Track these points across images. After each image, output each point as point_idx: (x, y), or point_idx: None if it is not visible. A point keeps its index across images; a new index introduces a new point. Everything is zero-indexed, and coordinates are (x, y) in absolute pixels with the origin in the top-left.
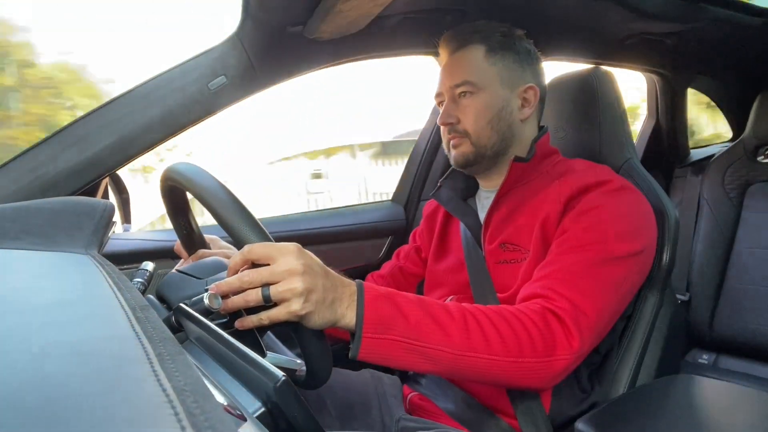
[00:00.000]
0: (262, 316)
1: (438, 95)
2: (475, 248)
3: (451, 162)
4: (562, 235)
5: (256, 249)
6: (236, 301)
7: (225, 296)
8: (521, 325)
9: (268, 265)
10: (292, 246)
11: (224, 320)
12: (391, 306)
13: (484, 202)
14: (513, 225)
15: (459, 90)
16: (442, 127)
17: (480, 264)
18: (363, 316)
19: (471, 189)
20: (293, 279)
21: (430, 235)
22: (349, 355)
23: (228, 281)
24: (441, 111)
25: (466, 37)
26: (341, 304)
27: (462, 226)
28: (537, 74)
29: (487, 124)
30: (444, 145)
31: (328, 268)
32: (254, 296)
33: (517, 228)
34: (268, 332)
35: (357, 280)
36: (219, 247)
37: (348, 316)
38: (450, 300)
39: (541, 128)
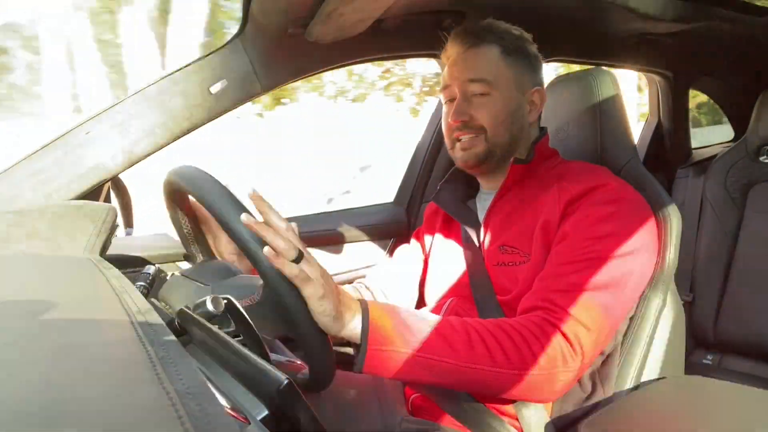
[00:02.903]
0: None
1: (446, 88)
2: (475, 250)
3: (459, 162)
4: (562, 241)
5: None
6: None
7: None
8: (522, 339)
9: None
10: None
11: (229, 329)
12: (394, 318)
13: (484, 203)
14: (512, 227)
15: (473, 87)
16: (447, 126)
17: (480, 265)
18: (368, 328)
19: (472, 191)
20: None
21: (430, 236)
22: (354, 368)
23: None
24: (452, 108)
25: (481, 34)
26: (348, 312)
27: (462, 227)
28: (541, 77)
29: (502, 123)
30: (448, 143)
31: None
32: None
33: (517, 231)
34: (273, 338)
35: (361, 299)
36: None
37: (352, 326)
38: (450, 302)
39: (540, 130)
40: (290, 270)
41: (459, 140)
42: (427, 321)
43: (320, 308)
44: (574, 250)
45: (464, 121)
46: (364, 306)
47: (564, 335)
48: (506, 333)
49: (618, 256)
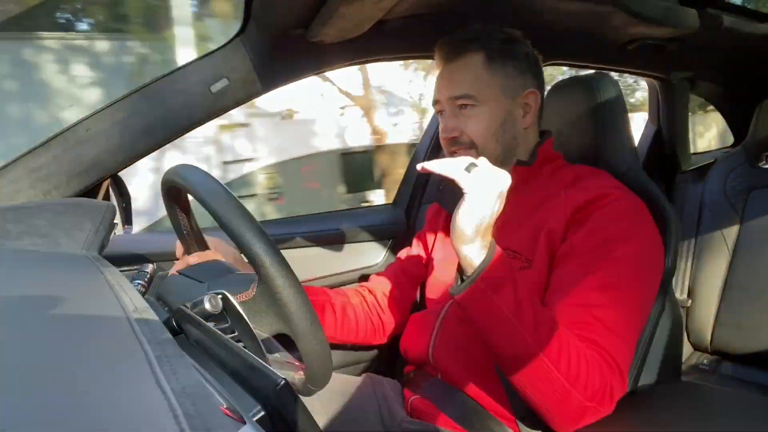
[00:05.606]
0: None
1: (436, 103)
2: None
3: None
4: (572, 254)
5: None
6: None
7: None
8: (587, 365)
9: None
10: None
11: (225, 325)
12: (511, 278)
13: None
14: (515, 231)
15: (459, 102)
16: (443, 140)
17: None
18: (487, 268)
19: None
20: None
21: (432, 238)
22: (450, 290)
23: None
24: (441, 123)
25: (463, 44)
26: (482, 241)
27: None
28: (537, 78)
29: (492, 135)
30: (446, 155)
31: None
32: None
33: (520, 235)
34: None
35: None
36: (224, 249)
37: (474, 254)
38: (450, 304)
39: (543, 133)
40: (455, 172)
41: (455, 154)
42: (531, 297)
43: (463, 219)
44: (604, 277)
45: (454, 137)
46: (495, 248)
47: (611, 384)
48: (578, 351)
49: (647, 278)
